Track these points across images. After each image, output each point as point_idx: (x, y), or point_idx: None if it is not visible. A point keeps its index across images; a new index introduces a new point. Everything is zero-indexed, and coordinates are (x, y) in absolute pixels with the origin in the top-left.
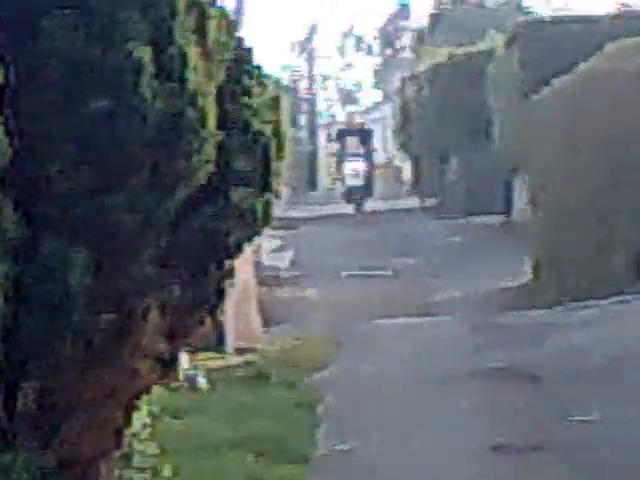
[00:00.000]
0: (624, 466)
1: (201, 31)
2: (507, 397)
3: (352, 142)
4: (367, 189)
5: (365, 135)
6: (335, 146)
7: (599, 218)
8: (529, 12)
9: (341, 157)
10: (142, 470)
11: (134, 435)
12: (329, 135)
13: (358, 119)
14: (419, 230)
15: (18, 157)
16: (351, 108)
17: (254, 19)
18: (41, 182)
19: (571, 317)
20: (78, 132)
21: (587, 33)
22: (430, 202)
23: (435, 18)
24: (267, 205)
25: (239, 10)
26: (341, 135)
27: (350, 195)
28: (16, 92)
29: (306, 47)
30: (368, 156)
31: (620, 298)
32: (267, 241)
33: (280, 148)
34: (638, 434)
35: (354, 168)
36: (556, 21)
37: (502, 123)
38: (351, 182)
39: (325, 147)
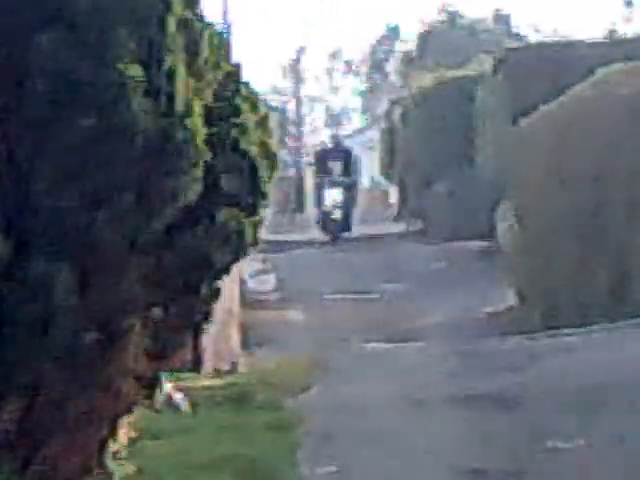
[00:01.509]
0: None
1: (191, 50)
2: (487, 423)
3: (334, 166)
4: (345, 222)
5: (347, 158)
6: (313, 170)
7: (582, 244)
8: (518, 37)
9: (321, 183)
10: None
11: (114, 455)
12: (310, 159)
13: (343, 141)
14: (403, 255)
15: (3, 174)
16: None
17: (242, 41)
18: (26, 199)
19: (554, 343)
20: (65, 150)
21: (575, 59)
22: (415, 227)
23: (423, 41)
24: (255, 227)
25: (227, 30)
26: (321, 158)
27: (328, 227)
28: (3, 108)
29: (294, 69)
30: (349, 184)
31: (603, 325)
32: (252, 263)
33: (269, 169)
34: (619, 461)
35: (335, 198)
36: (544, 47)
37: (488, 148)
38: (330, 214)
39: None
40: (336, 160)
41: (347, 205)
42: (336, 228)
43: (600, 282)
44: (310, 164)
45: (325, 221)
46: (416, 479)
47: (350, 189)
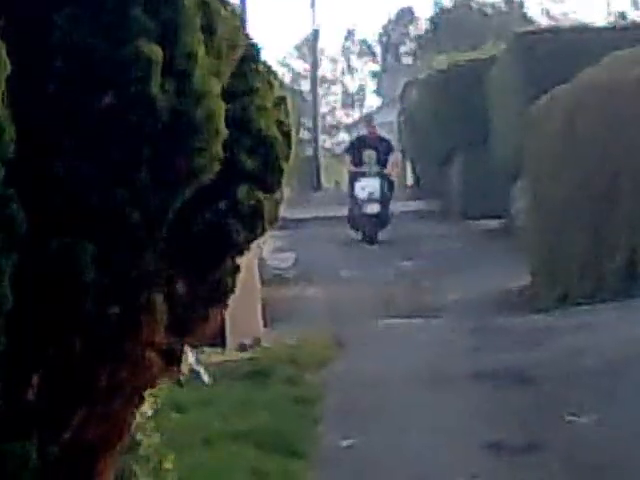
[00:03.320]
0: (620, 466)
1: (209, 29)
2: (504, 398)
3: (371, 155)
4: (382, 218)
5: (384, 146)
6: (348, 159)
7: (596, 222)
8: (530, 20)
9: (355, 173)
10: (145, 461)
11: (138, 427)
12: (347, 147)
13: (376, 126)
14: (419, 233)
15: (23, 151)
16: (354, 112)
17: (257, 18)
18: (46, 177)
19: (568, 321)
20: (84, 128)
21: (587, 42)
22: (431, 206)
23: (437, 23)
24: (273, 204)
25: (243, 9)
26: (356, 146)
27: (360, 224)
28: (23, 86)
29: (309, 49)
30: (387, 175)
31: (615, 303)
32: (271, 241)
33: (287, 148)
34: (634, 435)
35: (370, 191)
36: (556, 30)
37: (502, 130)
38: (364, 207)
39: (340, 159)
40: (372, 149)
41: (385, 198)
42: (371, 225)
43: (614, 260)
44: (344, 152)
45: (356, 217)
46: (434, 452)
47: (388, 180)
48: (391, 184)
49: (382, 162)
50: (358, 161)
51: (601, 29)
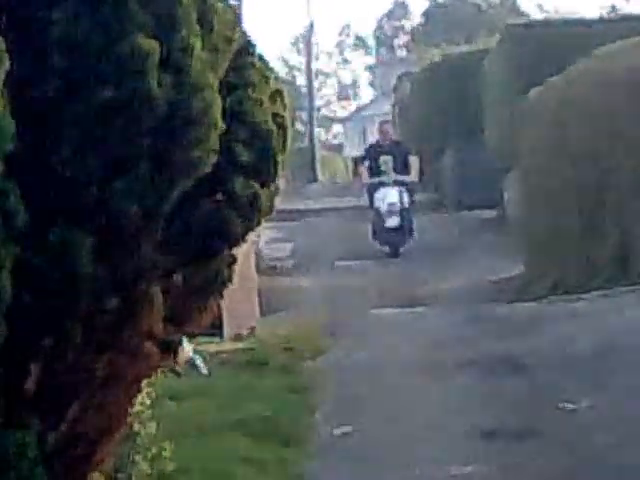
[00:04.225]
0: (613, 450)
1: (206, 24)
2: (498, 385)
3: (387, 162)
4: (405, 229)
5: (401, 152)
6: (363, 168)
7: (587, 213)
8: (523, 14)
9: (372, 185)
10: (143, 450)
11: (136, 416)
12: (362, 155)
13: (390, 130)
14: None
15: (23, 144)
16: (346, 104)
17: (253, 13)
18: (46, 170)
19: (560, 309)
20: (83, 121)
21: (578, 35)
22: (424, 196)
23: (431, 17)
24: (269, 196)
25: (239, 4)
26: (372, 154)
27: (383, 238)
28: (22, 80)
29: (305, 42)
30: (407, 183)
31: (607, 292)
32: (267, 231)
33: (282, 140)
34: (625, 420)
35: (390, 202)
36: (547, 23)
37: (495, 121)
38: (387, 220)
39: (354, 167)
40: (388, 154)
41: (406, 209)
42: (395, 238)
43: (605, 249)
44: (360, 160)
45: (378, 231)
46: (428, 440)
47: (408, 188)
48: (411, 191)
49: (400, 168)
50: (375, 169)
51: (592, 21)
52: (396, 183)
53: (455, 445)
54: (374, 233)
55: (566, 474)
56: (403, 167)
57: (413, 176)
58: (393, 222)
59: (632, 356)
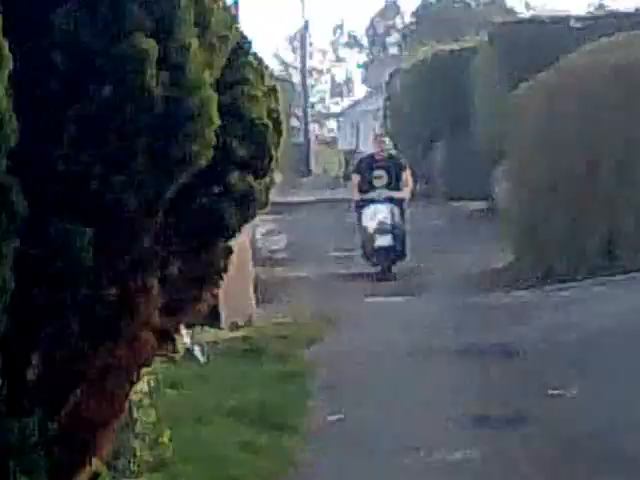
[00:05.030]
0: (599, 435)
1: (202, 24)
2: (488, 372)
3: (380, 177)
4: (397, 248)
5: (395, 167)
6: (356, 180)
7: (575, 203)
8: (511, 12)
9: (362, 201)
10: (142, 436)
11: (135, 404)
12: (354, 167)
13: (385, 142)
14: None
15: (25, 140)
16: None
17: (249, 12)
18: (47, 165)
19: (549, 298)
20: (83, 118)
21: (565, 31)
22: (416, 188)
23: (421, 15)
24: (265, 189)
25: (235, 3)
26: (364, 168)
27: (373, 257)
28: (25, 79)
29: (299, 41)
30: (399, 199)
31: (595, 280)
32: (262, 224)
33: (277, 135)
34: (612, 406)
35: (380, 219)
36: (535, 21)
37: (484, 116)
38: (377, 239)
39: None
40: (382, 169)
41: (398, 227)
42: (384, 258)
43: (593, 239)
44: (350, 174)
45: (368, 251)
46: (420, 425)
47: (400, 205)
48: (403, 209)
49: (393, 184)
50: (367, 184)
51: (579, 19)
52: (387, 200)
53: (447, 430)
54: (364, 253)
55: (554, 458)
56: (397, 183)
57: (406, 193)
58: (384, 241)
59: (619, 342)
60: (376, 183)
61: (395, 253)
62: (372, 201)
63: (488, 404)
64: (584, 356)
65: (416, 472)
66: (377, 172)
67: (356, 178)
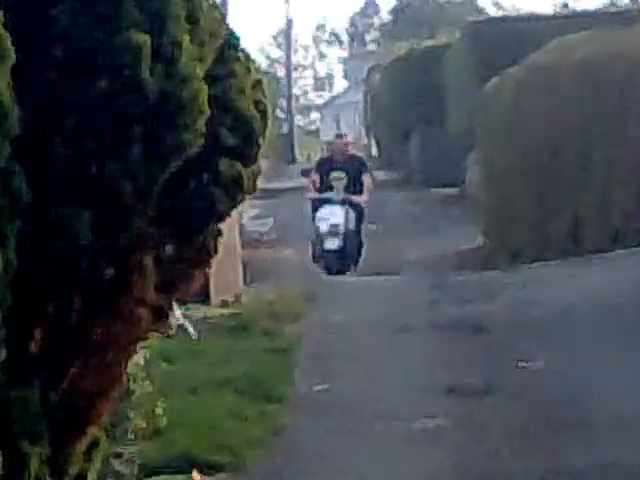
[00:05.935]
0: (564, 404)
1: (193, 20)
2: (461, 346)
3: (339, 178)
4: (348, 254)
5: (356, 167)
6: (313, 178)
7: (541, 190)
8: (482, 11)
9: (316, 200)
10: (138, 407)
11: (131, 376)
12: (314, 165)
13: (349, 142)
14: (382, 200)
15: (26, 129)
16: (322, 93)
17: (237, 10)
18: (48, 153)
19: (518, 277)
20: (81, 108)
21: (533, 30)
22: (393, 175)
23: (398, 14)
24: (252, 175)
25: (224, 1)
26: (322, 168)
27: (321, 261)
28: (26, 71)
29: (284, 37)
30: (356, 203)
31: (560, 261)
32: (250, 208)
33: (263, 125)
34: (577, 378)
35: (333, 222)
36: (506, 19)
37: (456, 108)
38: (325, 242)
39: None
40: (342, 170)
41: (352, 231)
42: (334, 263)
43: (559, 223)
44: (311, 170)
45: (317, 253)
46: (398, 395)
47: (358, 209)
48: (360, 213)
49: (352, 186)
50: (325, 185)
51: (546, 17)
52: (343, 202)
53: (422, 399)
54: (313, 254)
55: (522, 423)
56: (356, 185)
57: (363, 198)
58: (332, 244)
59: (582, 318)
60: (334, 184)
61: (345, 258)
62: (326, 202)
63: (461, 375)
64: (550, 331)
65: (396, 437)
66: (336, 173)
67: (315, 176)
